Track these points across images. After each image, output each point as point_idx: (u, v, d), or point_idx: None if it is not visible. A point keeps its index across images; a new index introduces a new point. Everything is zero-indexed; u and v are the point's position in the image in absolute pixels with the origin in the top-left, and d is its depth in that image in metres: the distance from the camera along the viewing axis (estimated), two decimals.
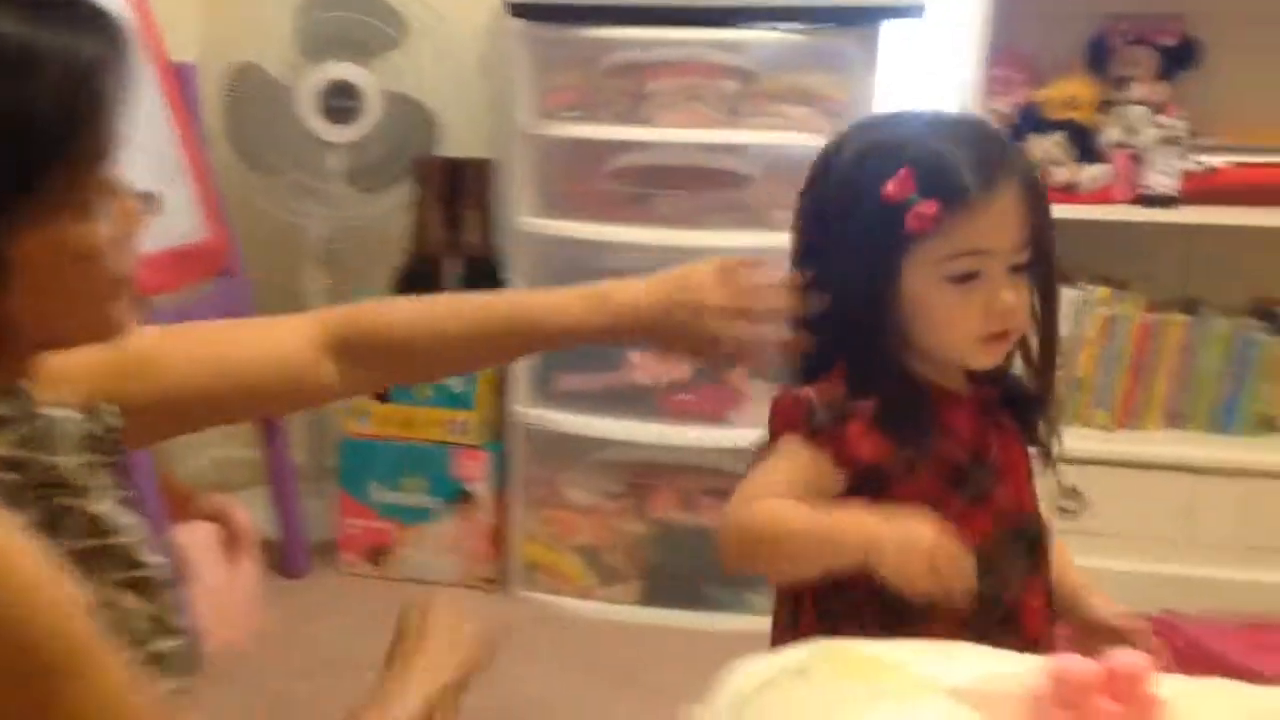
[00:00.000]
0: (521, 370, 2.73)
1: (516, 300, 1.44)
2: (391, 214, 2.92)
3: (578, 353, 2.71)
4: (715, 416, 2.65)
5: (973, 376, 1.31)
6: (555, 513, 2.73)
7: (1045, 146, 2.55)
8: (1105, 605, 1.36)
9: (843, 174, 1.27)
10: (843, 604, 1.30)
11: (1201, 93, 2.65)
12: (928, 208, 1.21)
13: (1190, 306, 2.70)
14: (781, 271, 1.33)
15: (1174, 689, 1.04)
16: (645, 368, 2.64)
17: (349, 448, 2.83)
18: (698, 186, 2.59)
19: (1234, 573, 2.58)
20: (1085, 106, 2.55)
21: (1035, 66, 2.67)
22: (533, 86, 2.65)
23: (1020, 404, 1.33)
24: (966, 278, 1.23)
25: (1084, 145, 2.58)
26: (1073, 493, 2.62)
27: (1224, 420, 2.67)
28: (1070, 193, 2.54)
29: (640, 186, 2.63)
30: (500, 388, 2.78)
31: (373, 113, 2.83)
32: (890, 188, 1.22)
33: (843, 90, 2.46)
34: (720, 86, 2.50)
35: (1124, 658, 0.97)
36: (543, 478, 2.75)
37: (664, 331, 1.33)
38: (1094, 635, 1.33)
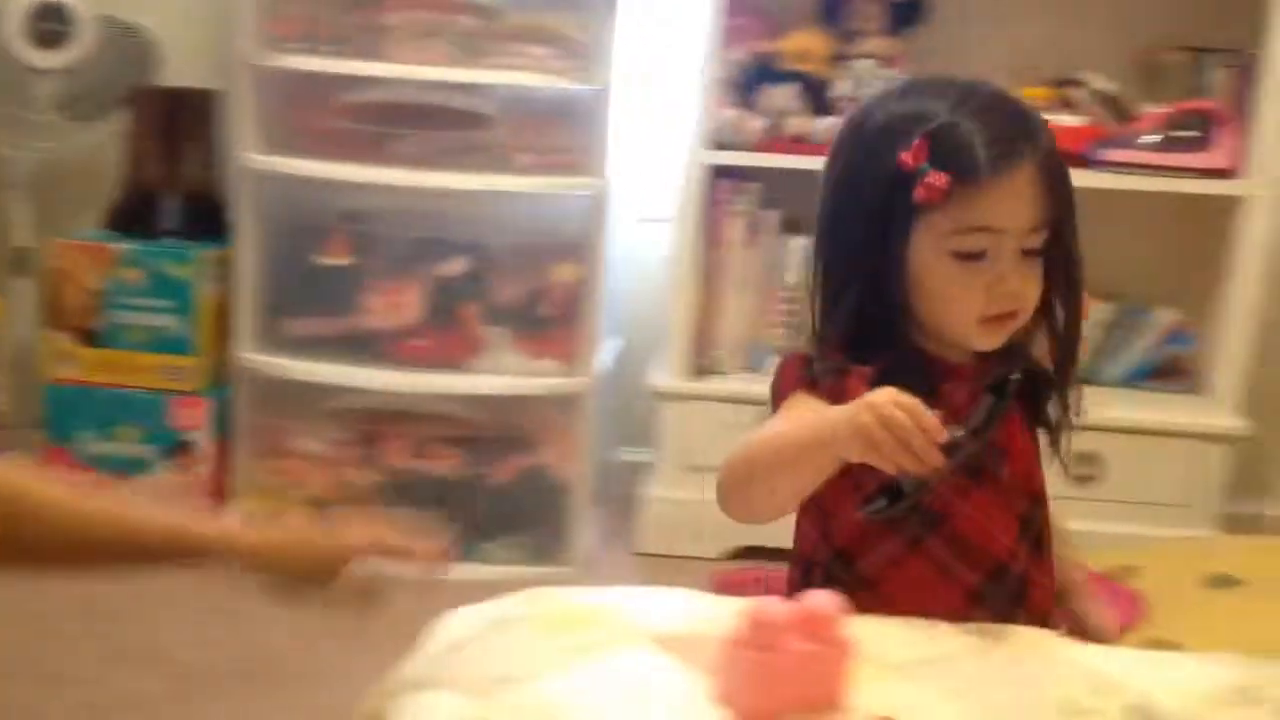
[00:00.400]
0: (246, 314, 2.62)
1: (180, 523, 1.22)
2: (105, 146, 2.76)
3: (306, 296, 2.64)
4: (450, 362, 2.60)
5: (985, 354, 1.28)
6: (282, 463, 2.64)
7: (779, 98, 2.58)
8: (1099, 615, 1.32)
9: (867, 139, 1.26)
10: (849, 576, 1.26)
11: (929, 48, 2.72)
12: (937, 179, 1.19)
13: None
14: None
15: (863, 629, 1.06)
16: (377, 312, 2.56)
17: (55, 395, 2.66)
18: (436, 126, 2.52)
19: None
20: (817, 59, 2.59)
21: (771, 18, 2.69)
22: (259, 14, 2.53)
23: (1033, 386, 1.29)
24: (973, 256, 1.21)
25: (817, 97, 2.61)
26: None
27: None
28: (803, 144, 2.58)
29: (376, 125, 2.55)
30: (223, 332, 2.66)
31: (85, 38, 2.66)
32: (905, 156, 1.20)
33: (583, 31, 2.43)
34: (459, 23, 2.43)
35: (816, 599, 0.98)
36: (269, 427, 2.65)
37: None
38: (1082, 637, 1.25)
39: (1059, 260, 1.25)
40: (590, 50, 2.42)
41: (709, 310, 2.72)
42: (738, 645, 0.96)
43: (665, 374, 2.74)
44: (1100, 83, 2.63)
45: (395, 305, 2.55)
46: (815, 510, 1.32)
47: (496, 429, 2.67)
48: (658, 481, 2.78)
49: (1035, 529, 1.29)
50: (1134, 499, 2.68)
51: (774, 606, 0.96)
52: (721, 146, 2.60)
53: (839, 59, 2.61)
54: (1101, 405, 2.65)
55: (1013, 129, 1.21)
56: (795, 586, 1.32)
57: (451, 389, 2.58)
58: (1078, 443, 1.32)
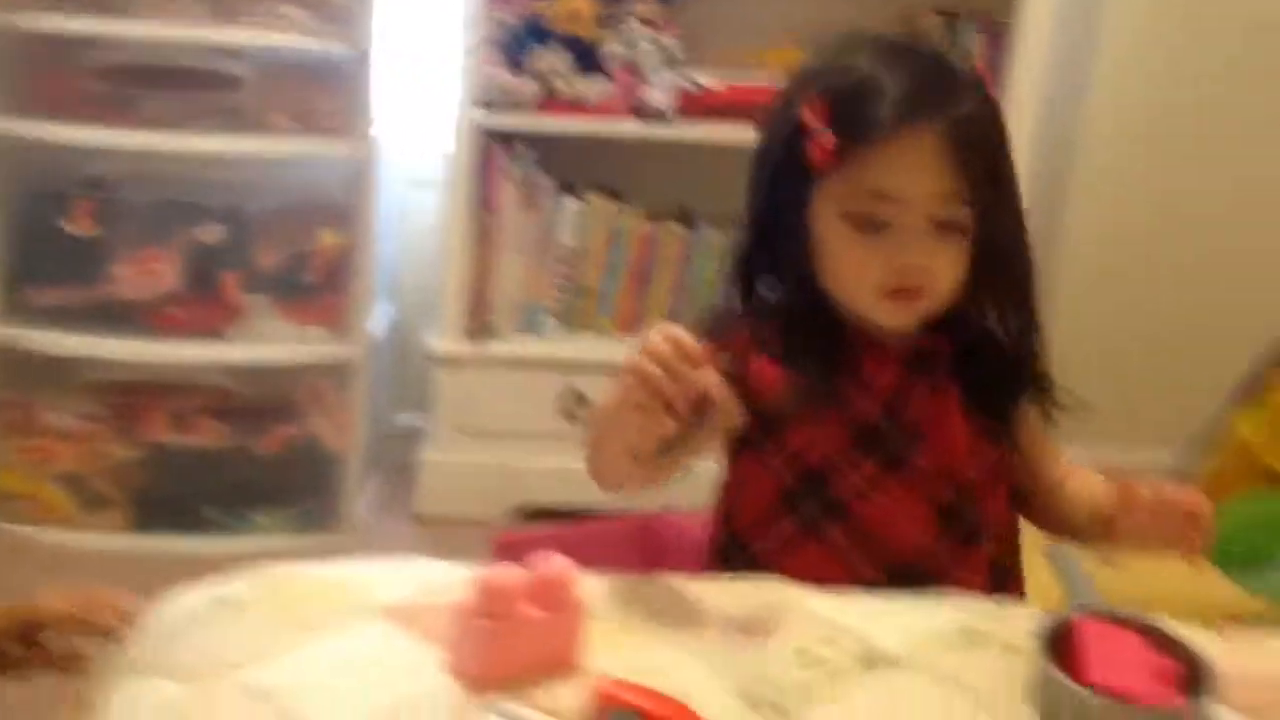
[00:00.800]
0: None
1: None
2: None
3: (53, 265, 2.50)
4: (209, 332, 2.50)
5: (921, 334, 1.20)
6: (31, 440, 2.50)
7: (548, 59, 2.55)
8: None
9: (781, 97, 1.20)
10: (744, 558, 1.24)
11: (695, 14, 2.73)
12: (825, 139, 1.12)
13: (687, 218, 2.81)
14: None
15: (593, 589, 1.06)
16: (129, 281, 2.45)
17: None
18: (187, 88, 2.41)
19: None
20: (587, 21, 2.56)
21: None
22: None
23: (983, 367, 1.21)
24: (872, 225, 1.13)
25: (586, 59, 2.60)
26: (579, 399, 2.68)
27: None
28: (573, 106, 2.56)
29: (123, 87, 2.42)
30: None
31: None
32: (804, 114, 1.13)
33: None
34: None
35: (549, 565, 0.96)
36: (15, 401, 2.51)
37: None
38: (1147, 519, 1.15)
39: (990, 241, 1.16)
40: (349, 12, 2.34)
41: (484, 274, 2.68)
42: (469, 614, 0.94)
43: (440, 338, 2.70)
44: None
45: (149, 273, 2.44)
46: (720, 490, 1.30)
47: (263, 399, 2.59)
48: (435, 446, 2.75)
49: (964, 522, 1.21)
50: None
51: (504, 574, 0.94)
52: (493, 108, 2.56)
53: (608, 20, 2.59)
54: None
55: (921, 87, 1.13)
56: (704, 567, 1.28)
57: (213, 359, 2.49)
58: None
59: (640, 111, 2.56)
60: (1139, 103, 2.83)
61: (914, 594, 1.10)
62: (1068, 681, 0.88)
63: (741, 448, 1.24)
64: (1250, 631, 1.09)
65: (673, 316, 2.74)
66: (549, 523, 2.57)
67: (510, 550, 2.37)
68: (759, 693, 0.93)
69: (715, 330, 1.20)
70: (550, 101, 2.56)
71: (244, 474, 2.56)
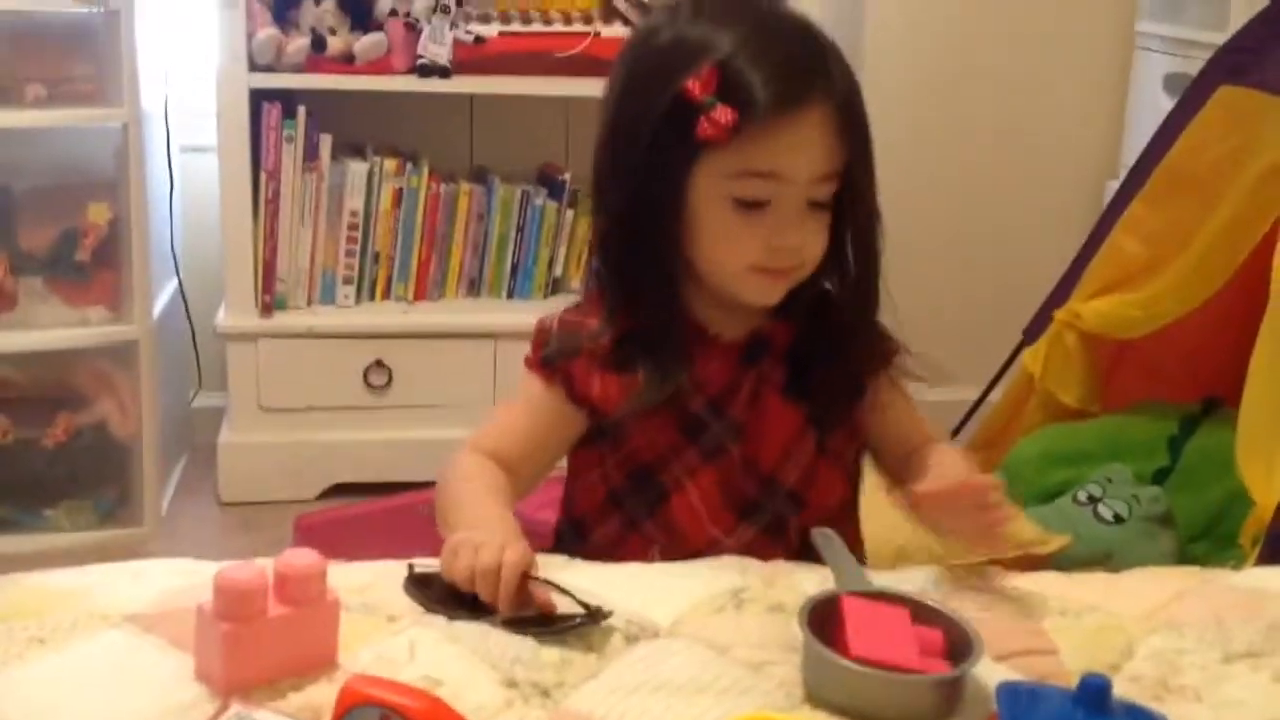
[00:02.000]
0: None
1: None
2: None
3: None
4: None
5: (748, 332, 1.20)
6: None
7: (318, 14, 2.46)
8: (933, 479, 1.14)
9: (651, 61, 1.15)
10: (581, 547, 1.22)
11: None
12: (723, 115, 1.09)
13: (479, 175, 2.75)
14: None
15: (347, 579, 1.02)
16: None
17: None
18: None
19: None
20: None
21: None
22: None
23: (823, 342, 1.21)
24: (754, 204, 1.12)
25: (358, 13, 2.51)
26: (380, 365, 2.62)
27: (517, 284, 2.76)
28: (348, 62, 2.48)
29: None
30: None
31: None
32: (692, 85, 1.09)
33: None
34: None
35: (293, 558, 0.92)
36: None
37: None
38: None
39: (851, 211, 1.17)
40: None
41: (270, 243, 2.59)
42: (211, 616, 0.89)
43: (228, 313, 2.60)
44: None
45: None
46: (568, 474, 1.28)
47: (44, 387, 2.46)
48: (234, 426, 2.66)
49: (766, 514, 1.21)
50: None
51: (242, 571, 0.90)
52: (263, 68, 2.46)
53: None
54: None
55: (808, 66, 1.12)
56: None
57: None
58: None
59: (422, 67, 2.49)
60: (912, 61, 2.87)
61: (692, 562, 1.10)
62: (831, 654, 0.88)
63: (581, 444, 1.25)
64: (1011, 575, 1.11)
65: (469, 278, 2.72)
66: (358, 500, 2.51)
67: (312, 532, 2.34)
68: (520, 675, 0.90)
69: (558, 356, 1.20)
70: (323, 59, 2.47)
71: (33, 468, 2.44)
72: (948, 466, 1.16)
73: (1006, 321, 2.41)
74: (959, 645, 0.91)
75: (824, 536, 1.05)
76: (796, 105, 1.10)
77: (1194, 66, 2.19)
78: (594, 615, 0.96)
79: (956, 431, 2.45)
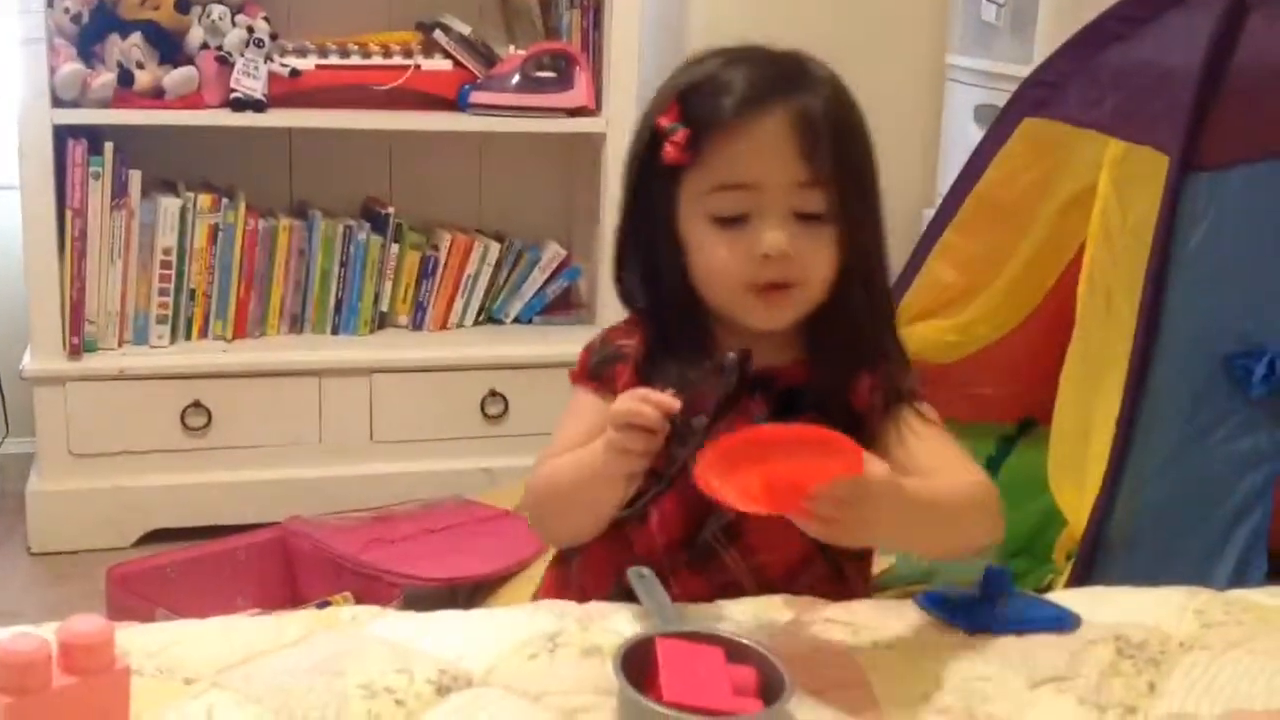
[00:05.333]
0: None
1: None
2: None
3: None
4: None
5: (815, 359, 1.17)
6: None
7: (125, 49, 2.38)
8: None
9: (646, 111, 1.17)
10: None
11: None
12: (680, 135, 1.10)
13: (300, 210, 2.69)
14: None
15: (163, 638, 0.98)
16: None
17: None
18: None
19: (362, 468, 2.65)
20: (165, 6, 2.40)
21: None
22: None
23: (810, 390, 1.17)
24: (734, 219, 1.11)
25: (167, 46, 2.44)
26: (198, 406, 2.54)
27: (342, 320, 2.71)
28: (158, 97, 2.40)
29: None
30: None
31: None
32: (660, 120, 1.12)
33: None
34: None
35: (77, 625, 0.87)
36: None
37: None
38: None
39: (849, 229, 1.14)
40: None
41: (78, 283, 2.49)
42: None
43: (34, 356, 2.49)
44: (460, 26, 2.63)
45: None
46: None
47: None
48: (43, 473, 2.55)
49: (701, 542, 1.18)
50: (538, 431, 2.75)
51: (23, 643, 0.84)
52: (67, 103, 2.37)
53: (186, 4, 2.44)
54: (504, 344, 2.74)
55: (764, 75, 1.13)
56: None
57: None
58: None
59: (236, 100, 2.43)
60: None
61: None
62: (643, 700, 0.87)
63: None
64: (827, 606, 1.12)
65: (292, 315, 2.66)
66: (175, 546, 2.42)
67: (127, 582, 2.24)
68: None
69: (602, 365, 1.21)
70: (132, 94, 2.39)
71: None
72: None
73: None
74: (773, 682, 0.90)
75: (639, 576, 1.04)
76: (754, 111, 1.11)
77: (1002, 98, 2.26)
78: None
79: None
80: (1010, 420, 2.26)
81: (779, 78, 1.14)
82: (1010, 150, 2.13)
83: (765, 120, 1.11)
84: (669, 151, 1.12)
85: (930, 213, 2.40)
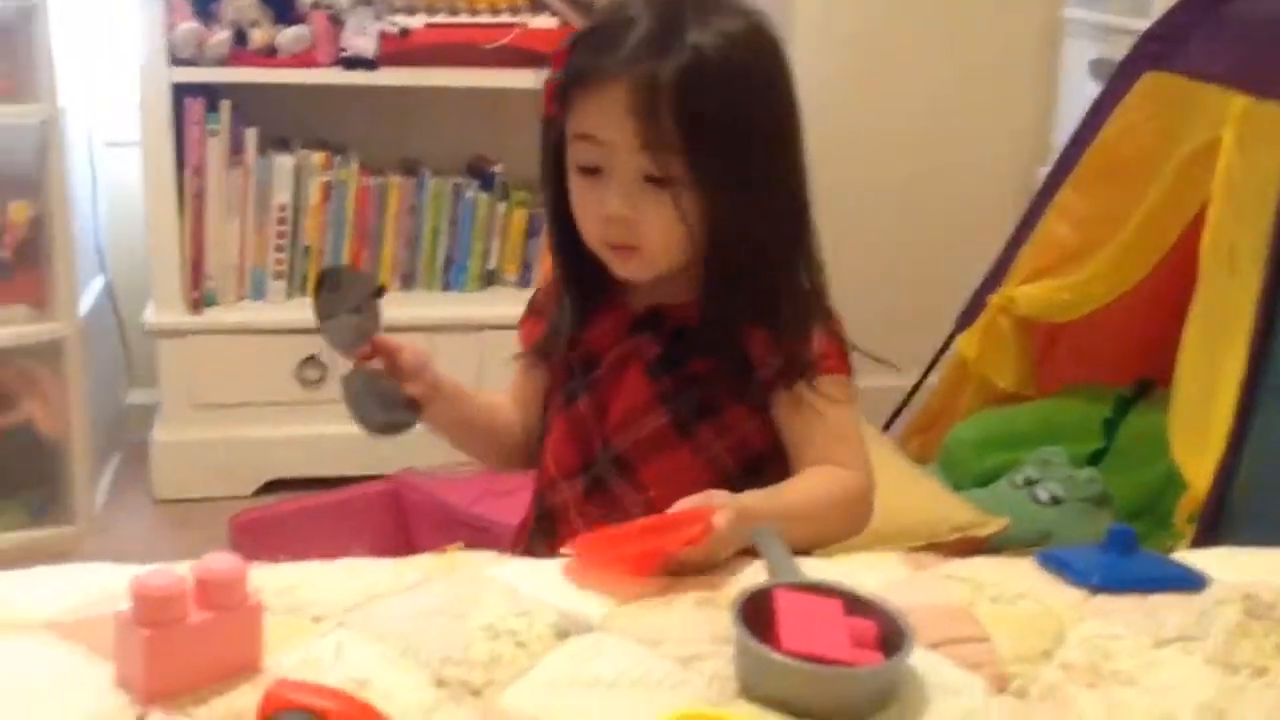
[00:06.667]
0: None
1: None
2: None
3: None
4: None
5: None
6: None
7: (240, 7, 2.42)
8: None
9: None
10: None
11: None
12: (549, 86, 1.15)
13: (410, 168, 2.72)
14: None
15: (290, 579, 1.00)
16: None
17: None
18: None
19: None
20: None
21: None
22: None
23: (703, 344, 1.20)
24: (588, 170, 1.15)
25: (280, 5, 2.47)
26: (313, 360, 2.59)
27: (452, 277, 2.74)
28: (271, 55, 2.44)
29: None
30: None
31: None
32: (553, 65, 1.16)
33: None
34: None
35: (213, 563, 0.90)
36: None
37: None
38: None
39: (716, 195, 1.13)
40: None
41: (198, 239, 2.54)
42: (130, 623, 0.87)
43: (157, 310, 2.56)
44: None
45: None
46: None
47: None
48: (166, 424, 2.62)
49: (595, 473, 1.24)
50: None
51: (160, 578, 0.87)
52: (184, 62, 2.42)
53: None
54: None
55: (634, 36, 1.12)
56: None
57: None
58: None
59: (346, 59, 2.46)
60: (840, 51, 2.87)
61: None
62: (761, 647, 0.87)
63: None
64: (945, 562, 1.11)
65: (403, 272, 2.69)
66: (293, 496, 2.48)
67: (247, 530, 2.30)
68: (448, 673, 0.89)
69: (525, 314, 1.33)
70: (246, 53, 2.43)
71: None
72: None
73: (940, 307, 2.42)
74: (892, 636, 0.90)
75: (760, 532, 1.04)
76: (608, 70, 1.12)
77: (1119, 52, 2.21)
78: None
79: (894, 417, 2.46)
80: (1127, 382, 2.23)
81: (647, 38, 1.12)
82: (1128, 105, 2.08)
83: (614, 81, 1.12)
84: (544, 99, 1.17)
85: (1045, 170, 2.36)
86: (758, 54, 1.16)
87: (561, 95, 1.16)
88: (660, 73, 1.11)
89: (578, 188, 1.17)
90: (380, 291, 1.23)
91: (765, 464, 1.21)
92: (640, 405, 1.22)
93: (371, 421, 1.22)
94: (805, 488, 1.15)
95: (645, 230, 1.15)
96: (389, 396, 1.22)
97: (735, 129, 1.13)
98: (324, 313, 1.22)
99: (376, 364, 1.23)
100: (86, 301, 2.50)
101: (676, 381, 1.21)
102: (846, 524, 1.17)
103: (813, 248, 1.21)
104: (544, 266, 1.26)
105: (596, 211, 1.16)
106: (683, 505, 1.06)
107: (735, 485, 1.12)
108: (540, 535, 1.30)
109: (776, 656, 0.86)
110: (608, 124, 1.13)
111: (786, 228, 1.19)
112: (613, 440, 1.24)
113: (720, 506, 1.04)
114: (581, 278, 1.24)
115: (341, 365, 1.23)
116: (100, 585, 1.00)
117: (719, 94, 1.12)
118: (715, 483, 1.13)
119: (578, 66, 1.15)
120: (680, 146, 1.11)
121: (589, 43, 1.16)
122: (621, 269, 1.19)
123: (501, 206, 2.71)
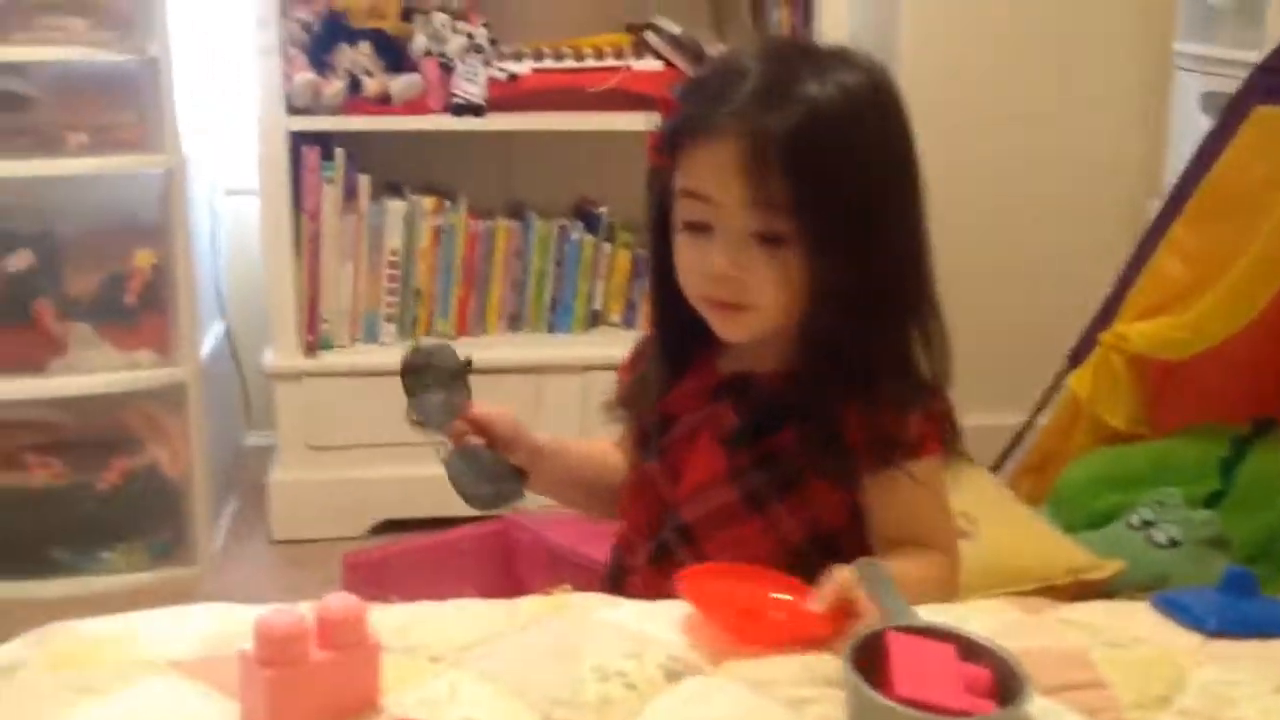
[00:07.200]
0: None
1: None
2: None
3: None
4: (29, 365, 2.38)
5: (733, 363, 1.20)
6: None
7: (354, 57, 2.49)
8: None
9: None
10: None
11: (500, 2, 2.70)
12: (654, 137, 1.13)
13: (516, 211, 2.76)
14: None
15: (407, 620, 1.02)
16: None
17: None
18: None
19: None
20: (390, 15, 2.51)
21: None
22: None
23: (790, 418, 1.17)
24: (696, 226, 1.12)
25: (392, 55, 2.54)
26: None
27: (558, 318, 2.77)
28: (384, 103, 2.50)
29: None
30: None
31: None
32: (661, 113, 1.16)
33: None
34: None
35: (334, 603, 0.92)
36: None
37: None
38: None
39: (823, 256, 1.10)
40: (132, 18, 2.23)
41: (313, 283, 2.61)
42: (253, 662, 0.90)
43: (274, 353, 2.63)
44: (671, 26, 2.66)
45: None
46: None
47: (96, 430, 2.48)
48: (283, 465, 2.68)
49: (659, 541, 1.23)
50: None
51: (282, 617, 0.90)
52: (301, 111, 2.49)
53: (410, 13, 2.54)
54: None
55: (745, 91, 1.09)
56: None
57: (37, 393, 2.37)
58: None
59: (456, 105, 2.51)
60: (950, 86, 2.86)
61: None
62: (875, 694, 0.86)
63: None
64: (1059, 606, 1.09)
65: (510, 314, 2.73)
66: (406, 536, 2.52)
67: (360, 570, 2.34)
68: (559, 715, 0.90)
69: (631, 358, 1.33)
70: (360, 101, 2.50)
71: (87, 510, 2.45)
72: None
73: (1051, 344, 2.39)
74: (1007, 682, 0.89)
75: (870, 567, 1.02)
76: (716, 126, 1.09)
77: (1231, 85, 2.17)
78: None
79: (1003, 458, 2.43)
80: (1244, 420, 2.17)
81: (759, 92, 1.09)
82: (1241, 140, 2.05)
83: (723, 136, 1.09)
84: (649, 153, 1.15)
85: (1157, 204, 2.33)
86: (875, 109, 1.13)
87: (668, 147, 1.14)
88: (772, 127, 1.07)
89: (683, 243, 1.15)
90: (467, 365, 1.23)
91: (838, 540, 1.17)
92: (711, 478, 1.20)
93: (479, 497, 1.25)
94: (903, 569, 1.08)
95: (752, 289, 1.12)
96: (492, 469, 1.24)
97: (847, 188, 1.10)
98: (413, 393, 1.25)
99: (473, 439, 1.24)
100: (207, 345, 2.57)
101: (754, 456, 1.18)
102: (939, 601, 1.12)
103: (929, 320, 1.16)
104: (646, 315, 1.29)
105: (701, 268, 1.13)
106: (824, 588, 1.00)
107: (805, 560, 1.11)
108: (611, 590, 1.23)
109: (889, 703, 0.86)
110: (716, 180, 1.10)
111: (896, 295, 1.14)
112: (681, 509, 1.22)
113: (858, 600, 0.98)
114: (677, 334, 1.22)
115: (439, 446, 1.24)
116: (222, 625, 1.03)
117: (832, 151, 1.09)
118: (784, 558, 1.13)
119: (686, 118, 1.12)
120: (790, 204, 1.08)
121: (698, 94, 1.13)
122: (723, 328, 1.16)
123: (607, 248, 2.74)
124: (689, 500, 1.21)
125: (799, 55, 1.15)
